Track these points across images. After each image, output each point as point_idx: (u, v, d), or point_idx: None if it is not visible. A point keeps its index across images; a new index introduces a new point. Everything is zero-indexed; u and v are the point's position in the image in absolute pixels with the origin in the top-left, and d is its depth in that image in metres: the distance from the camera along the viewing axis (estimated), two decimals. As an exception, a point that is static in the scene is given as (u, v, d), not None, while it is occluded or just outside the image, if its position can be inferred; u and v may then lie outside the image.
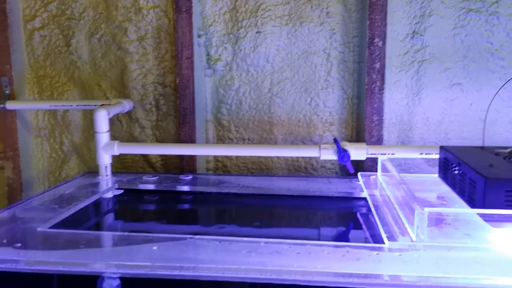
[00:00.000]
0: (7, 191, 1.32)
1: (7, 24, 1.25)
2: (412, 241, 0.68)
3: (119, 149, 1.09)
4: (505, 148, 0.87)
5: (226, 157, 1.31)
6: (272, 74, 1.26)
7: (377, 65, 1.16)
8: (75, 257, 0.63)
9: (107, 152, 1.09)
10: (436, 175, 0.95)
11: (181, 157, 1.25)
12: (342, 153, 0.99)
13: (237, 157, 1.31)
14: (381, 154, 1.00)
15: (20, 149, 1.30)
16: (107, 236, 0.72)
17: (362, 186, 1.00)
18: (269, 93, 1.27)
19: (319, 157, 1.03)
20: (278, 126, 1.28)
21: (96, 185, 1.04)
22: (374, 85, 1.17)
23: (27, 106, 1.29)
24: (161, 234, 0.70)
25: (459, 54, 1.19)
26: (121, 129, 1.31)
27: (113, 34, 1.28)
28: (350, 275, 0.59)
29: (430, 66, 1.20)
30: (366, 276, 0.60)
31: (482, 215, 0.71)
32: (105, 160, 1.09)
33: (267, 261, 0.63)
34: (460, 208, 0.77)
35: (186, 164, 1.25)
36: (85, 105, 1.24)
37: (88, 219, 0.89)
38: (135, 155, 1.31)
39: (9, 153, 1.30)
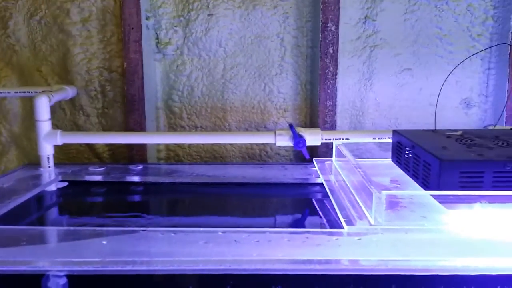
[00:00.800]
0: None
1: None
2: (370, 224, 0.67)
3: (62, 138, 1.02)
4: (456, 131, 0.88)
5: (178, 145, 1.27)
6: (225, 59, 1.23)
7: (331, 50, 1.16)
8: (16, 255, 0.58)
9: (49, 142, 1.02)
10: (389, 159, 0.95)
11: (130, 147, 1.20)
12: (298, 138, 0.97)
13: (189, 145, 1.27)
14: (336, 139, 0.99)
15: (-48, 141, 1.20)
16: (51, 231, 0.66)
17: (318, 172, 0.99)
18: (222, 78, 1.24)
19: (275, 143, 1.02)
20: (231, 113, 1.25)
21: (38, 177, 0.97)
22: (327, 71, 1.17)
23: (-43, 93, 1.18)
24: (111, 228, 0.66)
25: (409, 39, 1.20)
26: (64, 118, 1.23)
27: (54, 16, 1.19)
28: (311, 262, 0.57)
29: (382, 51, 1.21)
30: (327, 262, 0.59)
31: (436, 197, 0.71)
32: (47, 150, 1.02)
33: (225, 251, 0.61)
34: (414, 190, 0.78)
35: (136, 154, 1.20)
36: (24, 92, 1.15)
37: (30, 214, 0.82)
38: (80, 145, 1.24)
39: None
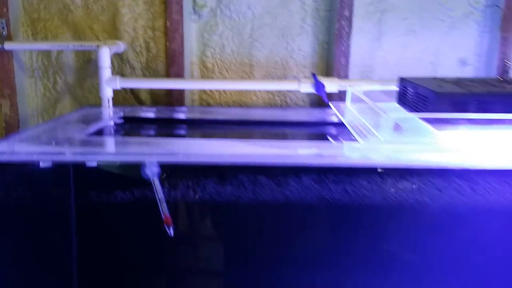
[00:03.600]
0: (5, 127, 1.41)
1: (2, -33, 1.31)
2: (380, 140, 0.87)
3: (120, 83, 1.21)
4: (452, 78, 1.07)
5: (209, 95, 1.45)
6: (253, 20, 1.41)
7: (346, 13, 1.33)
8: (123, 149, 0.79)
9: (110, 85, 1.21)
10: (394, 103, 1.14)
11: (170, 94, 1.39)
12: (319, 83, 1.16)
13: (219, 95, 1.45)
14: (349, 86, 1.18)
15: (17, 88, 1.39)
16: (137, 140, 0.86)
17: (334, 111, 1.18)
18: (250, 38, 1.42)
19: (299, 89, 1.20)
20: (257, 68, 1.43)
21: (102, 113, 1.16)
22: (342, 31, 1.35)
23: (25, 46, 1.37)
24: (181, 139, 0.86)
25: (415, 5, 1.38)
26: (113, 70, 1.42)
27: (105, -20, 1.37)
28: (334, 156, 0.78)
29: (391, 15, 1.39)
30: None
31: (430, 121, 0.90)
32: (107, 93, 1.22)
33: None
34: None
35: (175, 101, 1.39)
36: (81, 46, 1.34)
37: (116, 133, 1.02)
38: (126, 92, 1.43)
39: (7, 91, 1.38)
